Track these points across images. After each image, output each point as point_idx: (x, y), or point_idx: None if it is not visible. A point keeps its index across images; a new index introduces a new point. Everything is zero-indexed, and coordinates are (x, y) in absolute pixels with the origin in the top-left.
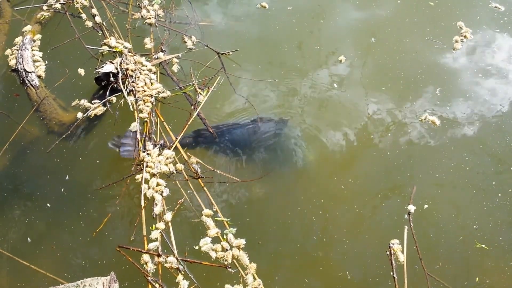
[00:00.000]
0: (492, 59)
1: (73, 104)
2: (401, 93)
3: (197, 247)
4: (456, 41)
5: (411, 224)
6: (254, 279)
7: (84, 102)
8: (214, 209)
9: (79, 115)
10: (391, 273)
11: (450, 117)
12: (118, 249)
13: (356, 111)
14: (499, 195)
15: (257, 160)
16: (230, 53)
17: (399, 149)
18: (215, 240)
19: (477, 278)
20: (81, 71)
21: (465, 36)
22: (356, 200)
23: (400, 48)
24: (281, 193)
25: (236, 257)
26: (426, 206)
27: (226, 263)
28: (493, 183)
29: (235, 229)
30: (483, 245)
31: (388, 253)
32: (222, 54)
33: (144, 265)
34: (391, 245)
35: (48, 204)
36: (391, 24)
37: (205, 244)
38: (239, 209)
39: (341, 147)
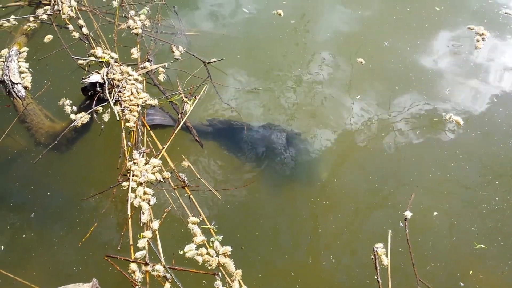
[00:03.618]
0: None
1: (60, 103)
2: (403, 95)
3: (181, 253)
4: (478, 41)
5: (407, 230)
6: (240, 286)
7: (68, 102)
8: (201, 218)
9: (72, 116)
10: (376, 277)
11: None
12: (106, 258)
13: (345, 117)
14: (496, 199)
15: (261, 164)
16: (216, 61)
17: (390, 155)
18: (203, 247)
19: (470, 271)
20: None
21: (483, 34)
22: (347, 206)
23: (411, 50)
24: (272, 200)
25: (222, 264)
26: (435, 213)
27: (210, 268)
28: (496, 182)
29: (221, 236)
30: (482, 245)
31: (372, 256)
32: (208, 63)
33: (132, 274)
34: (375, 249)
35: (32, 215)
36: (402, 28)
37: (189, 250)
38: (229, 214)
39: (331, 153)
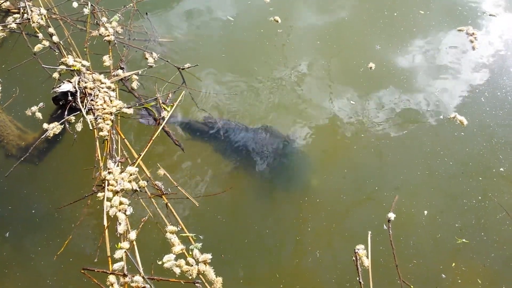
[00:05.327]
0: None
1: (27, 112)
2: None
3: (160, 263)
4: (472, 41)
5: (390, 232)
6: None
7: (35, 109)
8: (180, 227)
9: (44, 126)
10: (357, 278)
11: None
12: (83, 271)
13: (333, 117)
14: (479, 197)
15: (253, 167)
16: (191, 67)
17: (376, 154)
18: (182, 256)
19: (453, 264)
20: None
21: (473, 34)
22: (330, 208)
23: (401, 53)
24: (257, 202)
25: (202, 272)
26: (425, 212)
27: (190, 277)
28: (480, 179)
29: (201, 244)
30: (464, 239)
31: (354, 258)
32: (183, 69)
33: (110, 287)
34: (356, 250)
35: (7, 235)
36: (390, 31)
37: (168, 260)
38: (212, 219)
39: (313, 155)
